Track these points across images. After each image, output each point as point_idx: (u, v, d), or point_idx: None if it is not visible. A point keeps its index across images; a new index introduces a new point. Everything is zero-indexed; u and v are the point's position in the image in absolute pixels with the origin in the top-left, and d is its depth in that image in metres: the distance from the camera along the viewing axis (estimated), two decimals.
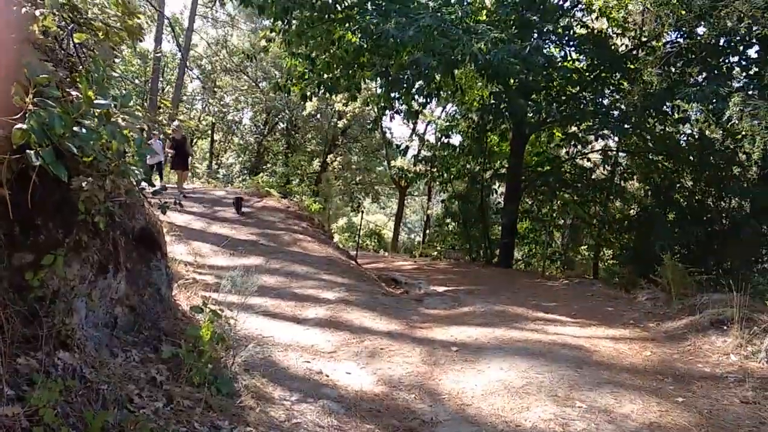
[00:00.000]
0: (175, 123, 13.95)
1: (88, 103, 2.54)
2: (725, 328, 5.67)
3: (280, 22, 10.50)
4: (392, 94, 11.04)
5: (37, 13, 2.84)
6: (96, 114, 2.73)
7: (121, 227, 3.70)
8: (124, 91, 3.04)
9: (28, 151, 2.34)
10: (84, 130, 2.49)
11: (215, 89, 26.83)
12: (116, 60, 4.23)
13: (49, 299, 2.89)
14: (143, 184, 3.60)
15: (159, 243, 4.35)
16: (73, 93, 2.85)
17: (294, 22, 10.49)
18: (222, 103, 27.10)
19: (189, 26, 23.79)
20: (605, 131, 12.09)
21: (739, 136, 10.23)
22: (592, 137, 14.38)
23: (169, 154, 13.52)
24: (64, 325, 2.94)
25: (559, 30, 12.07)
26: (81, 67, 3.18)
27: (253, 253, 8.96)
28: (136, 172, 3.18)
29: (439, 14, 9.65)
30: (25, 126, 2.26)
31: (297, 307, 6.44)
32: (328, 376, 4.46)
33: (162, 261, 4.39)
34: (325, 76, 11.11)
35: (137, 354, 3.63)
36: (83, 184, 2.85)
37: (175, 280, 5.00)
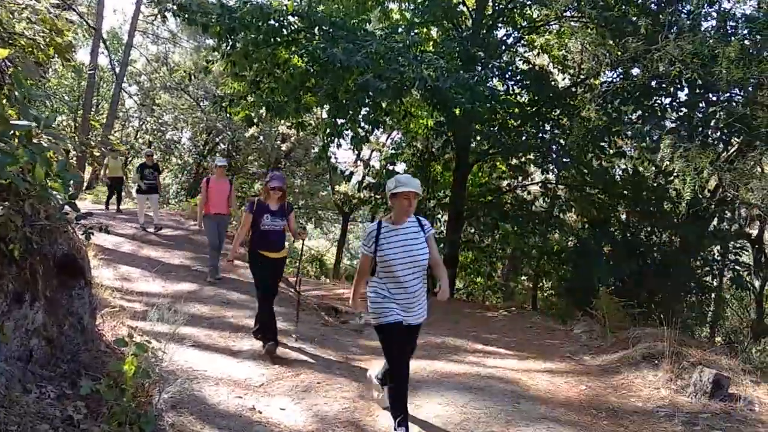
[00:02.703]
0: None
1: (4, 124, 2.36)
2: (656, 362, 5.80)
3: (224, 44, 10.34)
4: (338, 121, 11.00)
5: None
6: (16, 134, 2.55)
7: (40, 253, 3.47)
8: (52, 108, 2.87)
9: None
10: None
11: (154, 107, 26.14)
12: (44, 76, 4.01)
13: None
14: (66, 208, 3.39)
15: (82, 269, 4.10)
16: None
17: (238, 44, 10.35)
18: (160, 121, 26.39)
19: (128, 41, 23.28)
20: (546, 165, 12.41)
21: (672, 177, 10.67)
22: (532, 168, 14.73)
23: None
24: None
25: (502, 65, 12.38)
26: (3, 83, 2.99)
27: (186, 279, 8.65)
28: (58, 196, 2.99)
29: (386, 42, 9.73)
30: None
31: (231, 338, 6.21)
32: (260, 412, 4.28)
33: (85, 289, 4.13)
34: (270, 100, 10.99)
35: (53, 390, 3.38)
36: None
37: (99, 309, 4.72)
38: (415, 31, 12.58)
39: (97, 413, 3.26)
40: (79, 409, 3.26)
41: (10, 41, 3.23)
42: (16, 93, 2.62)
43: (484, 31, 12.91)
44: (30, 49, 3.24)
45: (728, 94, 9.67)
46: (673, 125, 10.43)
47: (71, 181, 3.03)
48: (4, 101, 2.48)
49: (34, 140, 2.69)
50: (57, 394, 3.36)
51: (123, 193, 15.28)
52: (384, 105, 10.99)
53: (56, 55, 3.11)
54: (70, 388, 3.50)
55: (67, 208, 3.32)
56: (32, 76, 2.99)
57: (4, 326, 3.06)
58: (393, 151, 17.23)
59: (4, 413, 2.81)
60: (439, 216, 16.29)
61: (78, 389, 3.43)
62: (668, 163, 7.90)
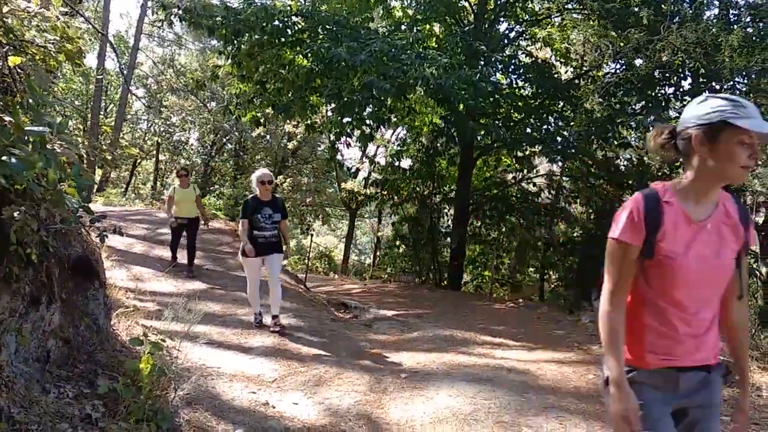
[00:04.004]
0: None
1: (19, 130, 2.43)
2: None
3: (230, 46, 10.41)
4: (344, 119, 11.06)
5: None
6: (30, 140, 2.62)
7: (55, 256, 3.55)
8: (63, 114, 2.95)
9: None
10: (14, 160, 2.37)
11: (161, 109, 26.32)
12: (54, 81, 4.09)
13: None
14: (80, 211, 3.47)
15: (97, 271, 4.19)
16: (6, 118, 2.73)
17: (243, 46, 10.41)
18: (168, 123, 26.56)
19: (134, 45, 23.43)
20: (551, 156, 12.44)
21: (677, 164, 10.68)
22: (538, 161, 14.79)
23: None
24: None
25: (505, 59, 12.41)
26: (16, 90, 3.06)
27: (197, 279, 8.74)
28: (73, 200, 3.06)
29: (389, 40, 9.77)
30: None
31: (243, 335, 6.29)
32: (274, 407, 4.36)
33: (100, 290, 4.22)
34: (276, 101, 11.06)
35: (71, 389, 3.46)
36: (15, 214, 2.72)
37: (114, 309, 4.81)
38: (418, 27, 12.63)
39: (115, 411, 3.32)
40: (97, 407, 3.33)
41: (22, 49, 3.30)
42: (30, 100, 2.69)
43: (487, 26, 12.96)
44: (41, 56, 3.32)
45: (731, 82, 9.66)
46: (677, 114, 10.46)
47: (85, 186, 3.11)
48: (18, 108, 2.55)
49: (48, 146, 2.76)
50: (75, 394, 3.44)
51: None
52: (388, 103, 11.05)
53: (67, 61, 3.19)
54: (88, 387, 3.57)
55: (81, 211, 3.40)
56: (44, 83, 3.07)
57: (22, 328, 3.13)
58: (398, 148, 17.31)
59: (24, 413, 2.87)
60: (446, 210, 16.38)
61: (95, 388, 3.50)
62: None
